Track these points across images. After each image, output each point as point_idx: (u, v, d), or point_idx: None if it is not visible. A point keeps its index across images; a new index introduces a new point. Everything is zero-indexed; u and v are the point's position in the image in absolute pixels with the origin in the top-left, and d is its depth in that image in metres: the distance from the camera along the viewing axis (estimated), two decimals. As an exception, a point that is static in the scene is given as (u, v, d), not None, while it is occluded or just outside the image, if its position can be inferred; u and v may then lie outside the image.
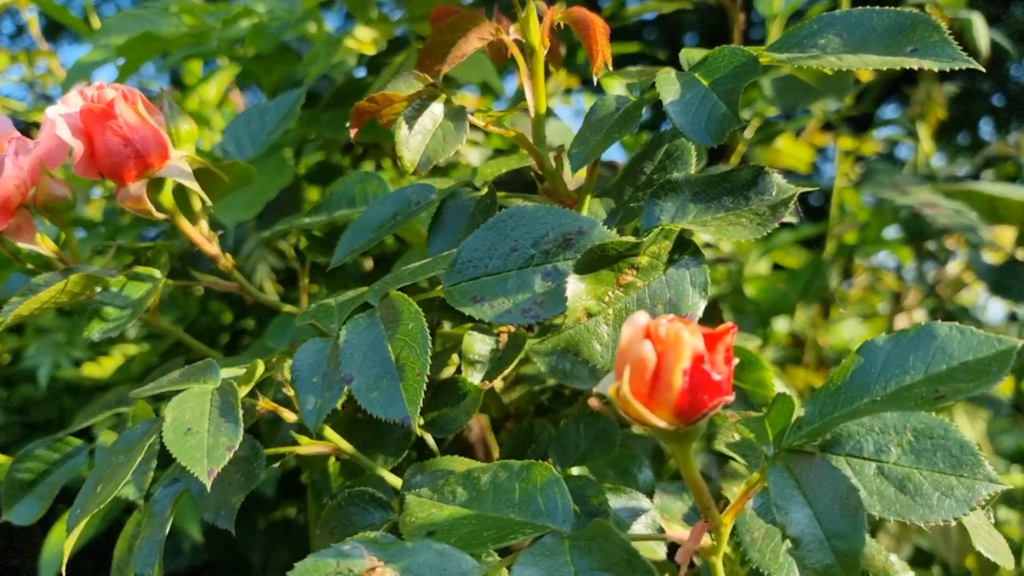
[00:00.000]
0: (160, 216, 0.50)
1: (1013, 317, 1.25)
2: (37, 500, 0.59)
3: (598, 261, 0.37)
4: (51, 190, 0.54)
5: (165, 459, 0.48)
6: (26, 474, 0.59)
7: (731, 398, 0.29)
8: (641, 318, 0.30)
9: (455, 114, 0.44)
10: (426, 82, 0.45)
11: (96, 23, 1.02)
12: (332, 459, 0.54)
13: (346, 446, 0.47)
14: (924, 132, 1.20)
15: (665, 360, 0.29)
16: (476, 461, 0.48)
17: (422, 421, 0.47)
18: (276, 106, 0.61)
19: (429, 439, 0.52)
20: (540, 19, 0.45)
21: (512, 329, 0.53)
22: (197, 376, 0.44)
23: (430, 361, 0.38)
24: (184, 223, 0.51)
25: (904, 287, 1.26)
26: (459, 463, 0.47)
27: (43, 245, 0.55)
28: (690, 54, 0.44)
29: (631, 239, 0.37)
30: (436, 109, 0.44)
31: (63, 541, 0.55)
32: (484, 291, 0.40)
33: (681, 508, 0.49)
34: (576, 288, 0.37)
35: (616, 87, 0.66)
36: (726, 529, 0.34)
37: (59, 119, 0.47)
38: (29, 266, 0.58)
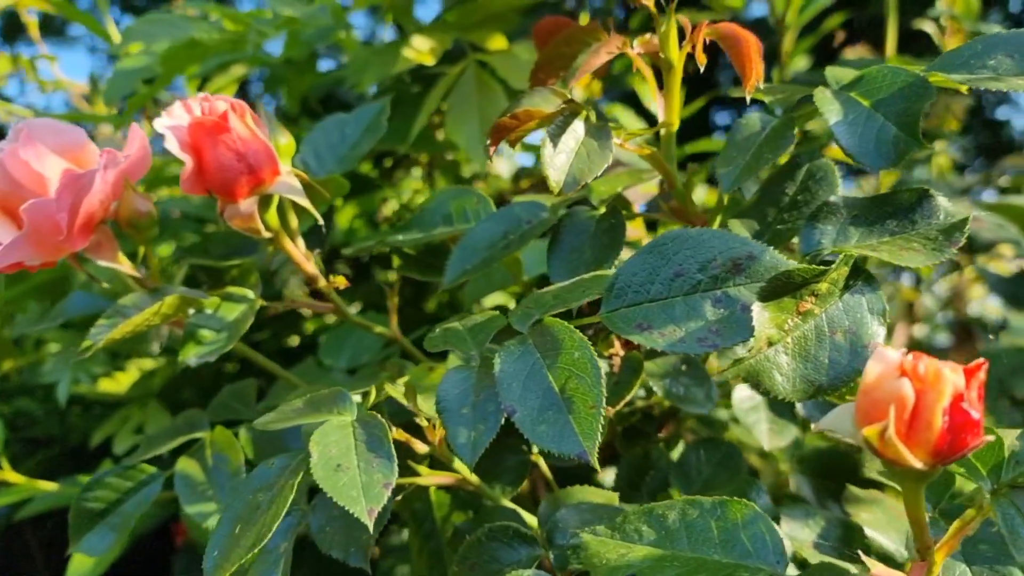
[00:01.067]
0: (267, 235, 0.47)
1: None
2: (109, 531, 0.56)
3: (783, 288, 0.36)
4: (135, 205, 0.51)
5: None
6: (96, 503, 0.56)
7: (991, 438, 0.28)
8: (891, 354, 0.28)
9: (598, 132, 0.42)
10: (564, 98, 0.43)
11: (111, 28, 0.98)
12: (433, 488, 0.52)
13: (472, 478, 0.45)
14: (939, 145, 1.21)
15: (925, 399, 0.28)
16: (603, 490, 0.46)
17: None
18: (356, 119, 0.58)
19: (543, 466, 0.51)
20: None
21: (623, 352, 0.52)
22: (328, 406, 0.42)
23: (604, 393, 0.36)
24: (287, 241, 0.49)
25: (916, 297, 1.27)
26: (592, 494, 0.45)
27: (125, 263, 0.52)
28: (838, 73, 0.43)
29: (817, 266, 0.36)
30: (578, 127, 0.42)
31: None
32: (651, 318, 0.38)
33: (810, 535, 0.47)
34: (761, 316, 0.36)
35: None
36: (938, 568, 0.33)
37: (168, 132, 0.45)
38: (105, 285, 0.55)
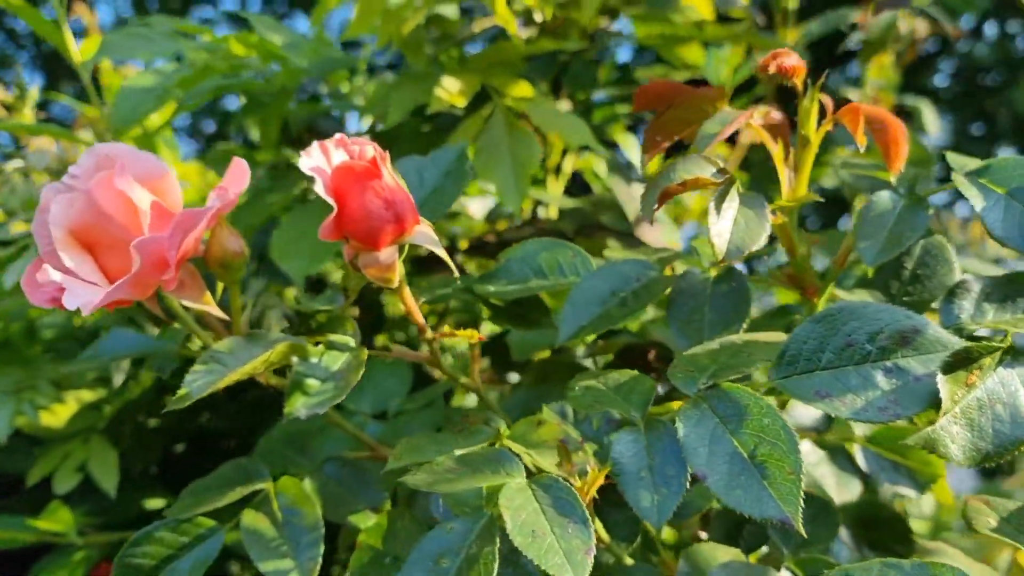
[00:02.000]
0: (395, 285, 0.46)
1: None
2: (159, 594, 0.52)
3: (963, 362, 0.39)
4: (228, 244, 0.49)
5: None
6: (144, 559, 0.52)
7: None
8: None
9: (752, 201, 0.44)
10: (716, 166, 0.45)
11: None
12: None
13: (604, 535, 0.45)
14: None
15: None
16: (729, 547, 0.48)
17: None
18: (434, 162, 0.57)
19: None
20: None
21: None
22: (491, 466, 0.41)
23: (802, 460, 0.37)
24: (407, 291, 0.47)
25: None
26: (722, 552, 0.46)
27: (211, 304, 0.49)
28: (959, 160, 0.46)
29: (993, 343, 0.39)
30: (734, 196, 0.44)
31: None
32: (828, 387, 0.40)
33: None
34: (944, 388, 0.38)
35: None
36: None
37: (316, 176, 0.43)
38: (176, 325, 0.51)
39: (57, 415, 0.98)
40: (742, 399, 0.40)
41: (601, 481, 0.43)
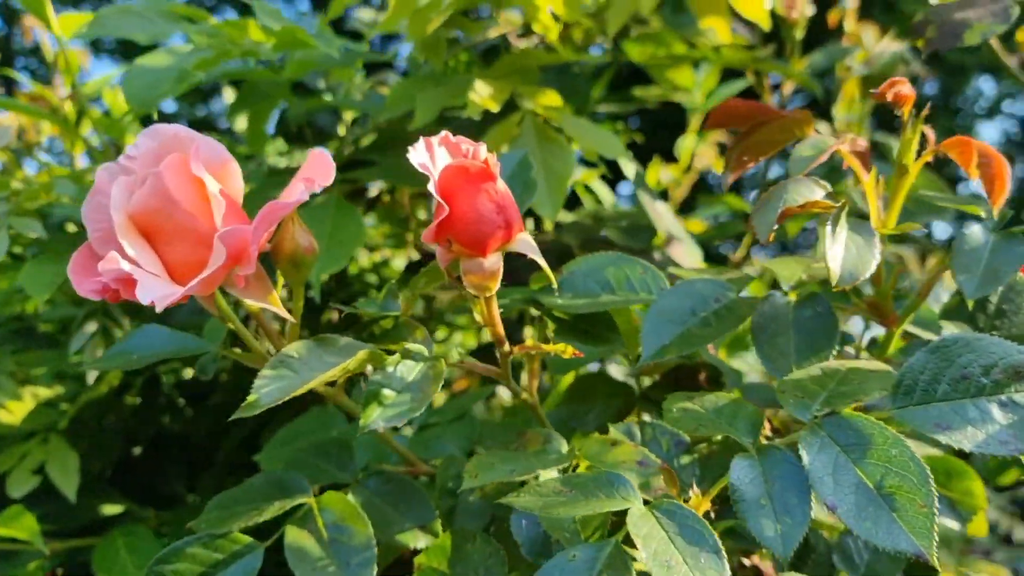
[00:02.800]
0: (492, 293, 0.43)
1: None
2: (192, 613, 0.48)
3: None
4: (300, 240, 0.45)
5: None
6: (173, 577, 0.48)
7: None
8: None
9: (861, 228, 0.44)
10: (826, 190, 0.44)
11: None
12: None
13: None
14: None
15: None
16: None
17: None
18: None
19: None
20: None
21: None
22: (605, 490, 0.39)
23: (935, 492, 0.37)
24: (495, 301, 0.45)
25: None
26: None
27: (276, 304, 0.45)
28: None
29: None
30: (845, 221, 0.43)
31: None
32: (948, 419, 0.39)
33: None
34: (1067, 425, 0.38)
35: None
36: None
37: (431, 172, 0.40)
38: (231, 326, 0.47)
39: (12, 412, 0.90)
40: (865, 428, 0.39)
41: (707, 506, 0.41)
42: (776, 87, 0.99)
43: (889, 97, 0.44)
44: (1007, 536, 1.58)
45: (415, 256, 0.97)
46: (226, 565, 0.48)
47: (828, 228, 0.42)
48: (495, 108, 0.71)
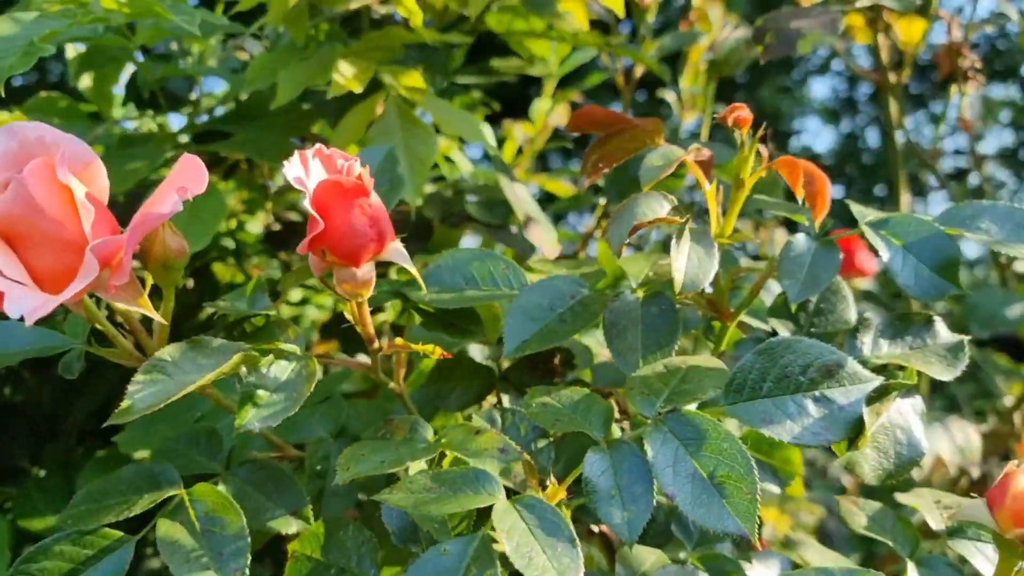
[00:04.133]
0: (365, 299, 0.45)
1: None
2: (61, 611, 0.48)
3: (880, 395, 0.45)
4: (171, 243, 0.46)
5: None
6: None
7: None
8: None
9: (703, 239, 0.48)
10: (672, 203, 0.48)
11: None
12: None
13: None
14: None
15: None
16: (657, 550, 0.52)
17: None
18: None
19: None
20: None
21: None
22: (471, 485, 0.42)
23: (758, 480, 0.42)
24: (366, 305, 0.47)
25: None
26: (647, 552, 0.51)
27: (147, 307, 0.46)
28: (859, 210, 0.53)
29: (905, 380, 0.46)
30: (687, 233, 0.48)
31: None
32: (771, 414, 0.45)
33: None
34: (867, 417, 0.44)
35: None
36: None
37: (306, 188, 0.41)
38: (100, 326, 0.47)
39: None
40: (701, 424, 0.44)
41: (563, 495, 0.46)
42: (629, 69, 1.03)
43: (730, 122, 0.48)
44: (823, 470, 1.74)
45: (272, 223, 0.97)
46: (96, 560, 0.49)
47: (673, 241, 0.46)
48: (358, 89, 0.71)
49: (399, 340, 0.49)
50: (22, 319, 0.39)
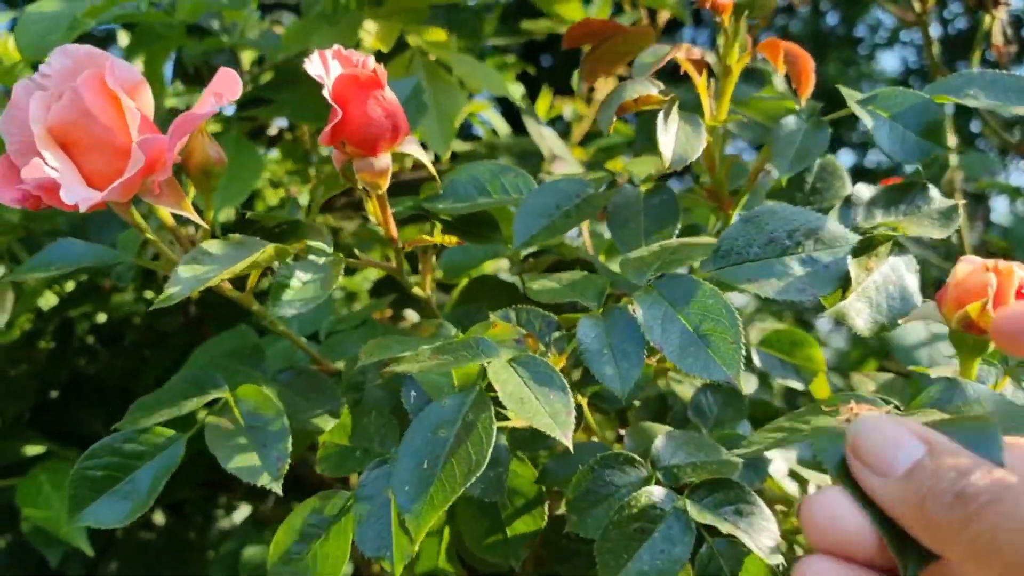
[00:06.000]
0: (383, 190, 0.49)
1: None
2: (121, 499, 0.53)
3: (865, 250, 0.47)
4: (209, 151, 0.51)
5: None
6: (102, 471, 0.53)
7: None
8: (975, 259, 0.41)
9: (690, 119, 0.51)
10: (659, 87, 0.51)
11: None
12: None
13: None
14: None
15: (1002, 286, 0.40)
16: (666, 426, 0.54)
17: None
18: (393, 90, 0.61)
19: (587, 412, 0.57)
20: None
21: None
22: (471, 352, 0.46)
23: (742, 331, 0.44)
24: (386, 199, 0.51)
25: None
26: (659, 428, 0.53)
27: (190, 211, 0.50)
28: (848, 92, 0.54)
29: (888, 234, 0.47)
30: (676, 114, 0.50)
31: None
32: (757, 274, 0.47)
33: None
34: (853, 271, 0.46)
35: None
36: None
37: (327, 84, 0.45)
38: (149, 236, 0.52)
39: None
40: (688, 284, 0.46)
41: (563, 363, 0.49)
42: (653, 15, 1.05)
43: (707, 5, 0.50)
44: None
45: (321, 190, 1.02)
46: (151, 456, 0.54)
47: (660, 119, 0.49)
48: (385, 48, 0.76)
49: (420, 236, 0.53)
50: (78, 212, 0.44)
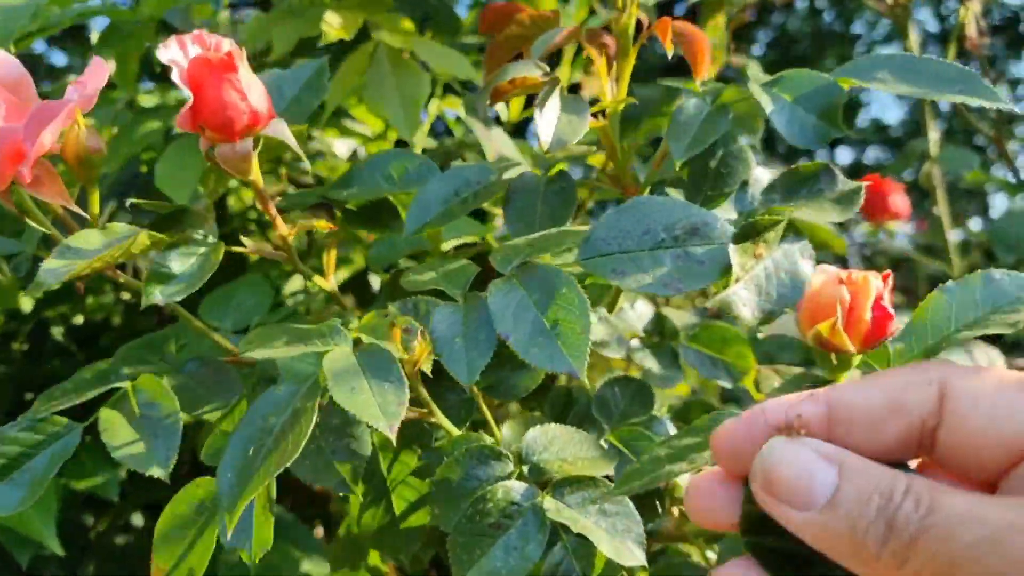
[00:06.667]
0: (251, 176, 0.49)
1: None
2: (15, 488, 0.53)
3: (749, 235, 0.44)
4: (87, 141, 0.51)
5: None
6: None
7: (900, 325, 0.37)
8: (830, 269, 0.37)
9: (574, 103, 0.49)
10: (544, 71, 0.49)
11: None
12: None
13: (438, 412, 0.50)
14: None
15: (857, 300, 0.36)
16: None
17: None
18: (293, 77, 0.60)
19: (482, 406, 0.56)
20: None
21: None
22: (320, 339, 0.45)
23: (591, 321, 0.42)
24: (261, 185, 0.51)
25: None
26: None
27: (68, 201, 0.51)
28: (756, 74, 0.51)
29: (774, 218, 0.44)
30: (556, 97, 0.48)
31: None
32: (624, 266, 0.44)
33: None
34: (735, 259, 0.43)
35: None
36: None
37: (175, 65, 0.45)
38: (32, 224, 0.53)
39: None
40: (546, 273, 0.44)
41: (427, 353, 0.47)
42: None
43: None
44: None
45: (290, 189, 1.02)
46: (47, 444, 0.54)
47: (538, 102, 0.47)
48: (347, 37, 0.76)
49: (300, 222, 0.52)
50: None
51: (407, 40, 0.80)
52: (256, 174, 0.50)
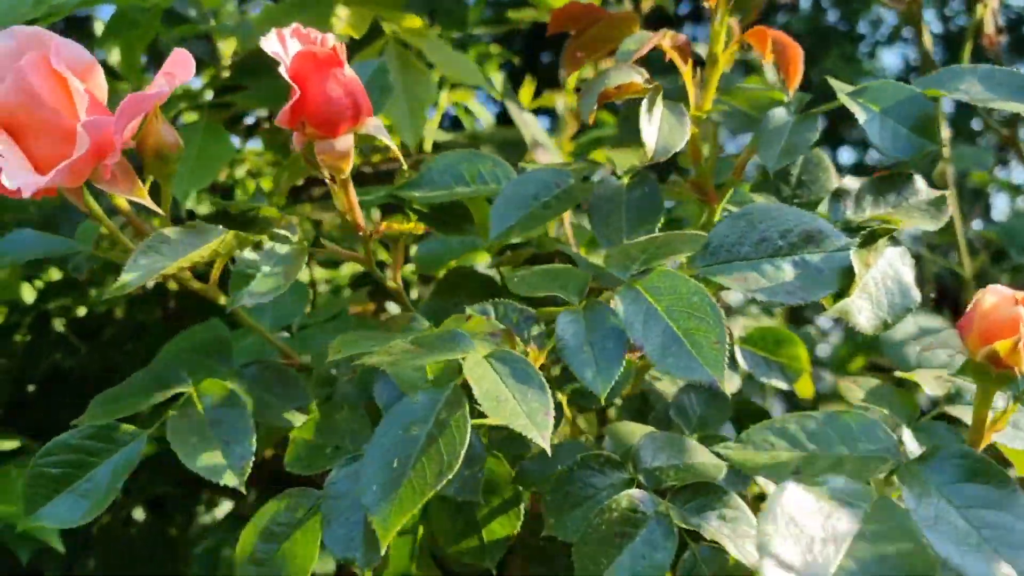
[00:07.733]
0: (346, 174, 0.47)
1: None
2: (79, 499, 0.50)
3: (867, 243, 0.45)
4: (164, 135, 0.48)
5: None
6: (59, 468, 0.51)
7: None
8: (1002, 289, 0.39)
9: (675, 109, 0.49)
10: (644, 76, 0.49)
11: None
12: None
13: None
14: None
15: None
16: (646, 425, 0.53)
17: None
18: (358, 71, 0.58)
19: (566, 410, 0.56)
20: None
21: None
22: (448, 345, 0.44)
23: (727, 330, 0.43)
24: (351, 185, 0.49)
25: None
26: (639, 428, 0.51)
27: (144, 197, 0.48)
28: (838, 84, 0.53)
29: (890, 225, 0.45)
30: (660, 103, 0.48)
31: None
32: (746, 274, 0.45)
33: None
34: (856, 266, 0.44)
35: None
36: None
37: (282, 59, 0.43)
38: (105, 224, 0.50)
39: None
40: (672, 280, 0.44)
41: (542, 359, 0.47)
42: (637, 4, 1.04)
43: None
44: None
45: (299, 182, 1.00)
46: (110, 453, 0.51)
47: (643, 108, 0.47)
48: (357, 35, 0.74)
49: (385, 223, 0.51)
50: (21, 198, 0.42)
51: (419, 40, 0.79)
52: (348, 175, 0.48)
